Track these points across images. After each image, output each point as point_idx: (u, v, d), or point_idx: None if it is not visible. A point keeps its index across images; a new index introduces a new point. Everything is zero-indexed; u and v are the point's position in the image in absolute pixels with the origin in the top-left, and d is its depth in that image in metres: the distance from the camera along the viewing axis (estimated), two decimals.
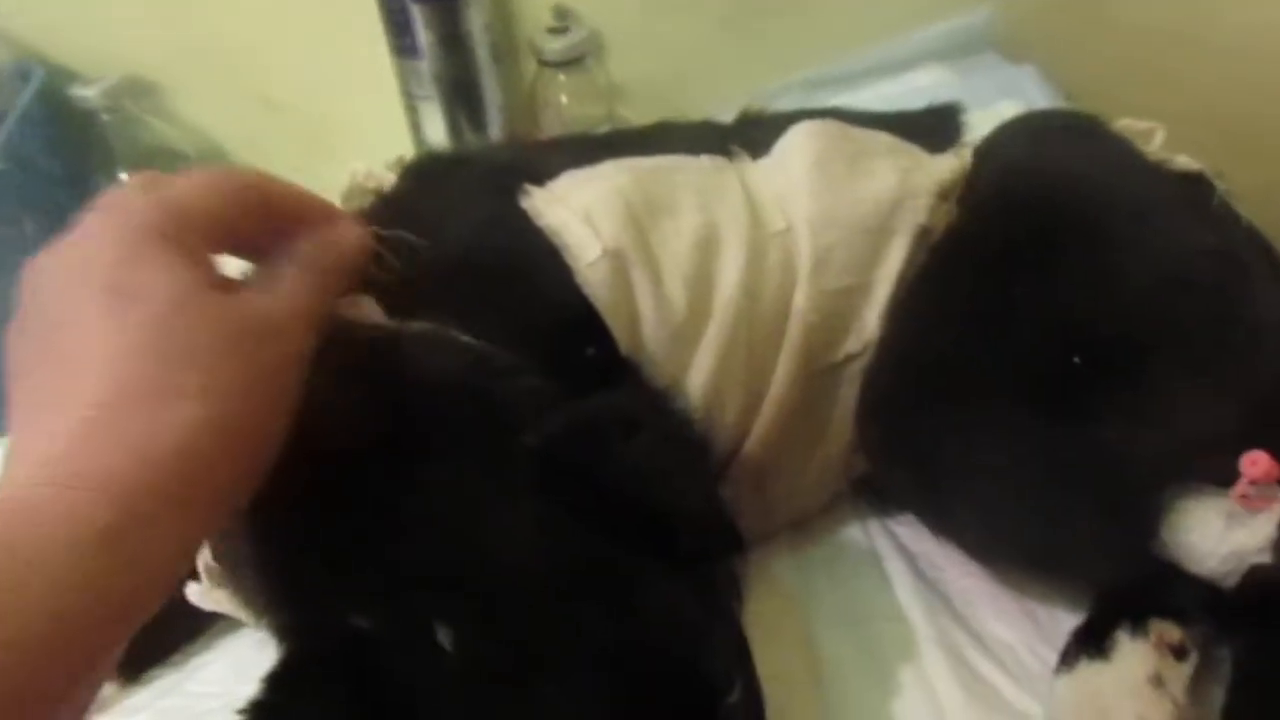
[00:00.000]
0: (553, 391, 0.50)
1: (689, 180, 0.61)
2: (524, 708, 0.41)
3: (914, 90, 1.04)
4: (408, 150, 0.93)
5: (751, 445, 0.60)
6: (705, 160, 0.63)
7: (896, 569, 0.63)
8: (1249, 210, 0.70)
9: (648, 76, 1.01)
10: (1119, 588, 0.55)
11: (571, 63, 0.96)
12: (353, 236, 0.49)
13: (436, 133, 0.95)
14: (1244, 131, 1.16)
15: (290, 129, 1.00)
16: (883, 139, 0.65)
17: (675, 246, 0.58)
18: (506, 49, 0.96)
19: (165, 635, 0.65)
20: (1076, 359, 0.55)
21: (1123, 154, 0.64)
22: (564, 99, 0.98)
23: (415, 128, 0.95)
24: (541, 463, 0.46)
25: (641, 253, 0.57)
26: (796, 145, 0.63)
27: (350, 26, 0.91)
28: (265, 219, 0.46)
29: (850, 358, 0.61)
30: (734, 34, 1.01)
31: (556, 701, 0.41)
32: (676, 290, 0.58)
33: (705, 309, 0.58)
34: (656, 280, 0.57)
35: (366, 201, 0.61)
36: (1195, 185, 0.64)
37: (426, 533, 0.44)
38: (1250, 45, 0.98)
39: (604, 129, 1.00)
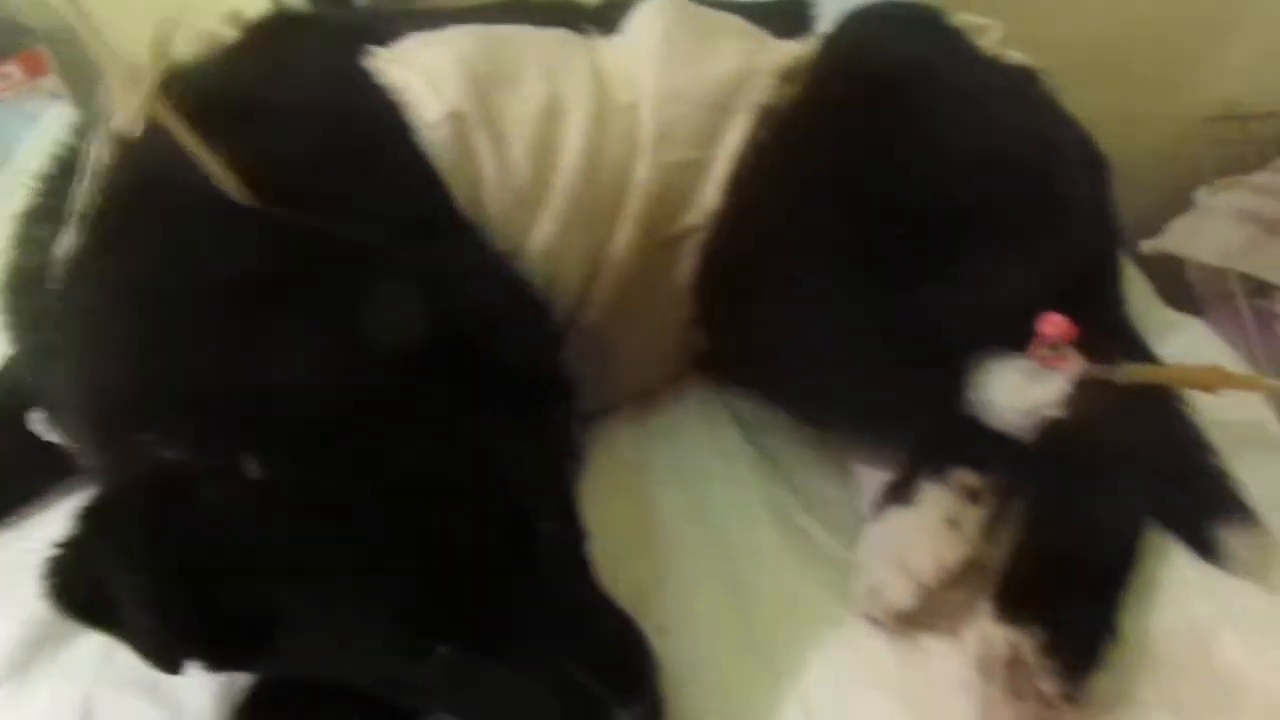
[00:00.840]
0: (386, 240, 0.50)
1: (536, 51, 0.62)
2: (333, 532, 0.42)
3: None
4: None
5: (592, 310, 0.62)
6: (556, 33, 0.64)
7: (732, 436, 0.66)
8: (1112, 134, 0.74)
9: None
10: (928, 444, 0.59)
11: None
12: None
13: None
14: (1110, 58, 1.22)
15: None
16: (731, 21, 0.67)
17: (519, 113, 0.59)
18: None
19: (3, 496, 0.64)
20: (899, 229, 0.59)
21: (957, 44, 0.68)
22: None
23: None
24: (368, 303, 0.46)
25: (484, 117, 0.58)
26: (645, 22, 0.65)
27: None
28: None
29: (691, 230, 0.63)
30: None
31: (366, 526, 0.42)
32: (519, 156, 0.59)
33: (547, 176, 0.59)
34: (499, 145, 0.58)
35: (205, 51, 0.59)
36: (1023, 78, 0.68)
37: (234, 363, 0.44)
38: None
39: None
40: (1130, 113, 1.26)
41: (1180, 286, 1.22)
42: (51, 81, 0.99)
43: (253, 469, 0.42)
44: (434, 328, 0.45)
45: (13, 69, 0.98)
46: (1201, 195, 1.19)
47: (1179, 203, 1.21)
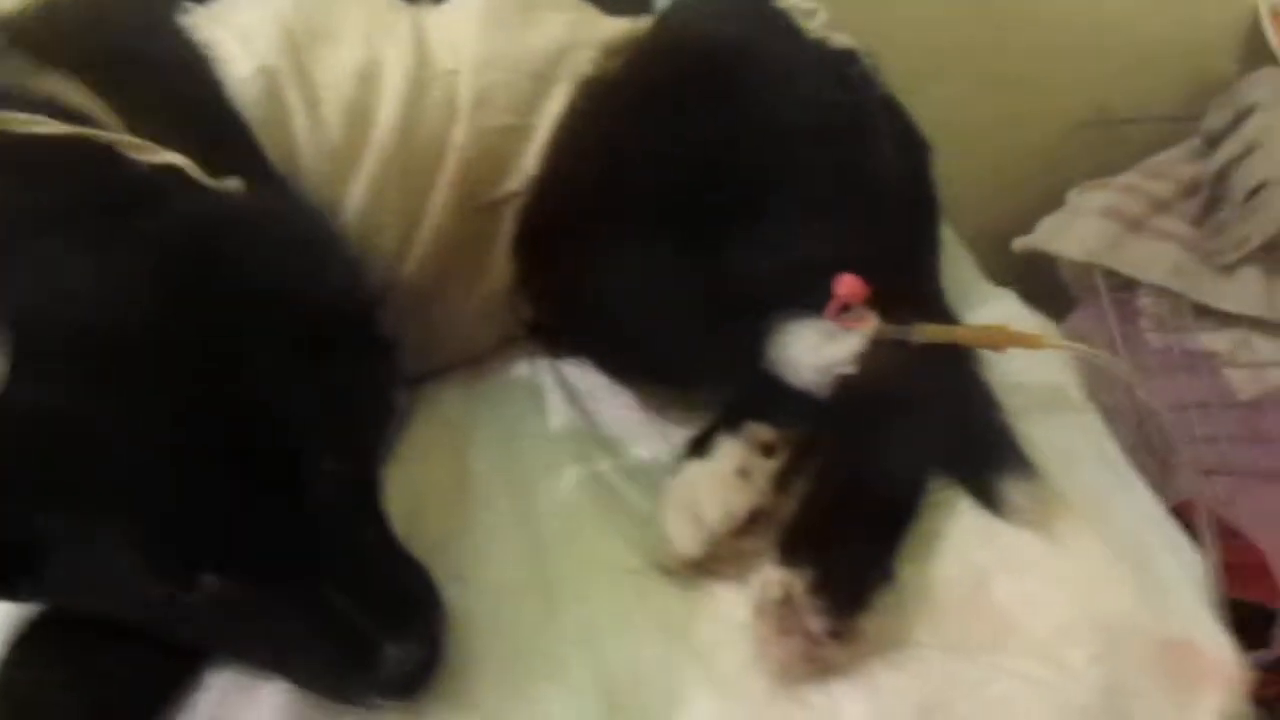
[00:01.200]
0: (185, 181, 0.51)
1: (356, 14, 0.63)
2: (89, 454, 0.42)
3: None
4: None
5: (410, 271, 0.63)
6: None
7: (555, 400, 0.67)
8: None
9: None
10: (732, 401, 0.61)
11: None
12: None
13: None
14: (985, 61, 1.26)
15: None
16: None
17: (334, 75, 0.60)
18: None
19: None
20: (710, 195, 0.61)
21: (779, 25, 0.70)
22: None
23: None
24: (155, 245, 0.47)
25: (297, 76, 0.59)
26: None
27: None
28: None
29: (512, 195, 0.64)
30: None
31: (124, 447, 0.43)
32: (333, 116, 0.60)
33: (362, 138, 0.61)
34: (312, 104, 0.59)
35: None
36: (844, 58, 0.70)
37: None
38: None
39: None
40: (1008, 115, 1.31)
41: (1055, 284, 1.27)
42: None
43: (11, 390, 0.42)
44: (218, 263, 0.46)
45: None
46: (1072, 195, 1.24)
47: (1055, 203, 1.25)
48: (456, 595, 0.54)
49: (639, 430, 0.66)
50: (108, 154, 0.49)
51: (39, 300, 0.44)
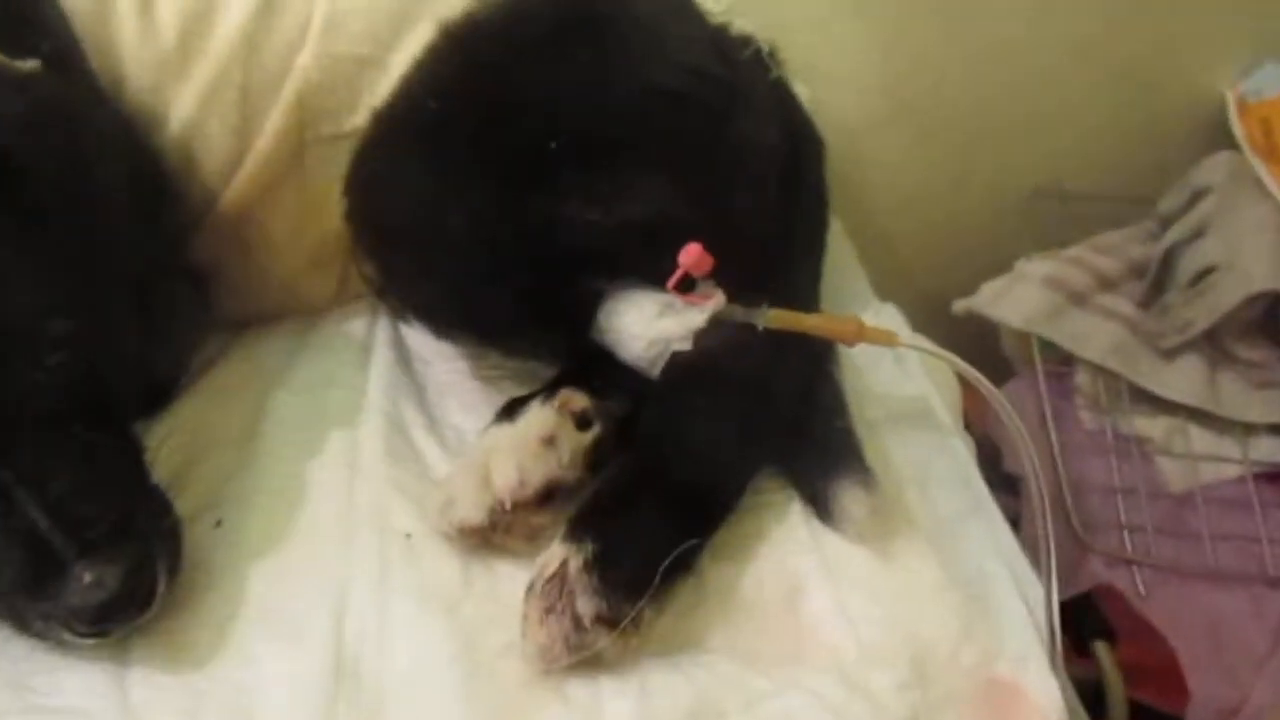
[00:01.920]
0: None
1: None
2: None
3: None
4: None
5: (234, 197, 0.58)
6: None
7: (383, 356, 0.62)
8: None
9: None
10: (559, 370, 0.56)
11: None
12: None
13: None
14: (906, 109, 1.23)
15: None
16: None
17: None
18: None
19: None
20: (553, 143, 0.56)
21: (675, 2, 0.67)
22: None
23: None
24: None
25: None
26: None
27: None
28: None
29: (357, 132, 0.60)
30: None
31: None
32: (168, 20, 0.56)
33: (199, 45, 0.56)
34: (144, 6, 0.56)
35: None
36: (737, 41, 0.67)
37: None
38: None
39: None
40: (954, 178, 1.28)
41: (996, 353, 1.22)
42: None
43: None
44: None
45: None
46: (1019, 264, 1.20)
47: (1001, 272, 1.21)
48: (205, 537, 0.49)
49: (465, 397, 0.60)
50: None
51: None
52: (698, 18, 0.65)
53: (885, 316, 0.67)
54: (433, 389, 0.61)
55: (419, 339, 0.63)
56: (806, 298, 0.63)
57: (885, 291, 0.76)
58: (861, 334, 0.54)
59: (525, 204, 0.56)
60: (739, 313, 0.54)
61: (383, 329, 0.64)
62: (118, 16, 0.55)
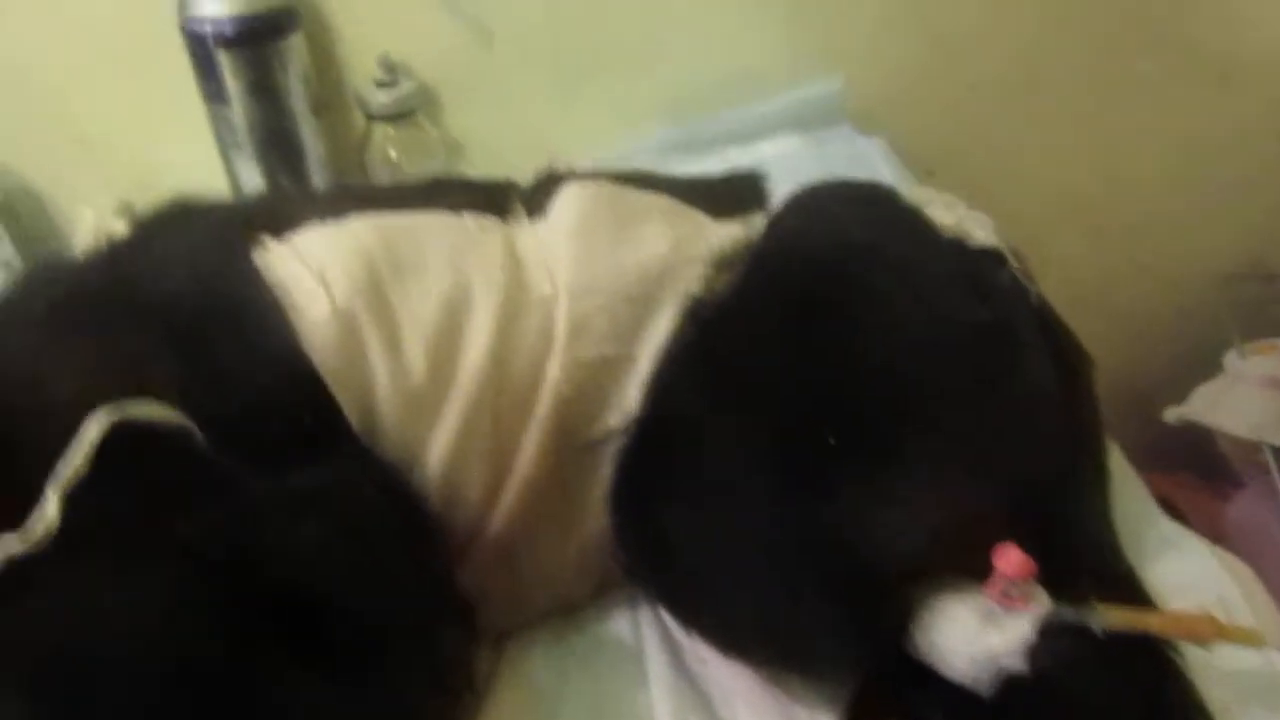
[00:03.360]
0: (232, 470, 0.45)
1: (443, 240, 0.57)
2: None
3: (764, 159, 1.03)
4: None
5: (498, 523, 0.55)
6: (468, 219, 0.59)
7: (657, 663, 0.58)
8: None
9: (484, 132, 0.98)
10: (864, 687, 0.51)
11: (401, 116, 0.92)
12: None
13: (254, 181, 0.90)
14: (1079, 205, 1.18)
15: (107, 169, 0.95)
16: (659, 203, 0.62)
17: (419, 307, 0.54)
18: (330, 101, 0.92)
19: None
20: (830, 436, 0.52)
21: (907, 227, 0.62)
22: (394, 153, 0.94)
23: (231, 175, 0.91)
24: (189, 554, 0.41)
25: (378, 313, 0.53)
26: (563, 206, 0.60)
27: (161, 65, 0.87)
28: None
29: (612, 434, 0.57)
30: (572, 92, 0.99)
31: None
32: (416, 353, 0.53)
33: (449, 374, 0.54)
34: (394, 344, 0.53)
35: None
36: (983, 260, 0.61)
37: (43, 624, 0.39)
38: None
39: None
40: (1142, 267, 1.21)
41: (1213, 456, 1.14)
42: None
43: None
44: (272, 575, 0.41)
45: None
46: (1231, 359, 1.12)
47: (1206, 364, 1.13)
48: None
49: (751, 701, 0.56)
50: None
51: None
52: (948, 250, 0.60)
53: (1191, 555, 0.60)
54: (716, 697, 0.56)
55: (684, 632, 0.60)
56: (1108, 556, 0.57)
57: None
58: (1219, 633, 0.48)
59: (810, 508, 0.51)
60: (1068, 613, 0.49)
61: (646, 624, 0.60)
62: (369, 359, 0.53)
